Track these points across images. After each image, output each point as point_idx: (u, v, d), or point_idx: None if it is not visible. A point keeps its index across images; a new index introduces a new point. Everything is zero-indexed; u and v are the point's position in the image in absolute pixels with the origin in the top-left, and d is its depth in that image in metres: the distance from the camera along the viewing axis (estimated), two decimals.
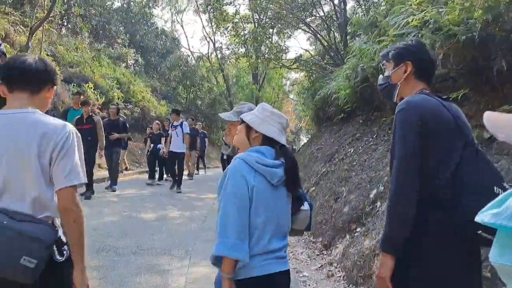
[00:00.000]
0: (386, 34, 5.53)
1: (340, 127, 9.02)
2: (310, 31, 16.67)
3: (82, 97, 9.37)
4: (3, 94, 1.67)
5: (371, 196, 4.37)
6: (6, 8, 12.02)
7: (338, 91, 7.87)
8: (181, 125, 9.52)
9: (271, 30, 18.04)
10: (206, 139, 15.79)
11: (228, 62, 34.87)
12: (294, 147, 32.54)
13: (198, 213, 7.09)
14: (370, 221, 4.07)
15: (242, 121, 1.91)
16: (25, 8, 14.02)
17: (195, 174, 14.10)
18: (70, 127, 1.68)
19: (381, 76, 2.04)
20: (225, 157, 14.68)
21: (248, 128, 1.87)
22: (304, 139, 74.56)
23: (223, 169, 14.63)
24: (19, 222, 1.51)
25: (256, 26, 23.66)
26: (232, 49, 26.61)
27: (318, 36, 16.07)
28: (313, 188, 6.65)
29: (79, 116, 7.67)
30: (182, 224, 6.26)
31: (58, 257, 1.62)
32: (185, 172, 10.90)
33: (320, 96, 10.32)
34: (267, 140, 1.83)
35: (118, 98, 16.27)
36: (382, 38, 5.36)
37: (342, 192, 5.20)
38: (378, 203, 4.20)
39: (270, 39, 18.52)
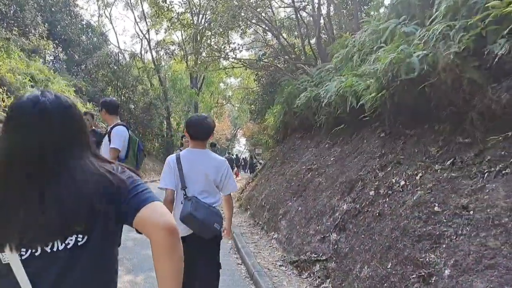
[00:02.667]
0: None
1: (336, 140, 7.01)
2: (267, 28, 14.62)
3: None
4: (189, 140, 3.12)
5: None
6: None
7: (348, 94, 5.85)
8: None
9: (209, 32, 15.73)
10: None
11: (164, 64, 32.05)
12: (256, 158, 29.52)
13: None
14: None
15: None
16: None
17: None
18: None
19: None
20: None
21: None
22: (238, 147, 73.04)
23: None
24: (210, 207, 2.89)
25: (196, 24, 21.26)
26: (169, 50, 24.13)
27: (280, 34, 14.12)
28: (336, 237, 4.48)
29: None
30: None
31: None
32: None
33: (302, 101, 8.26)
34: None
35: None
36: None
37: (427, 260, 3.08)
38: None
39: (210, 40, 16.35)
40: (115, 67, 23.28)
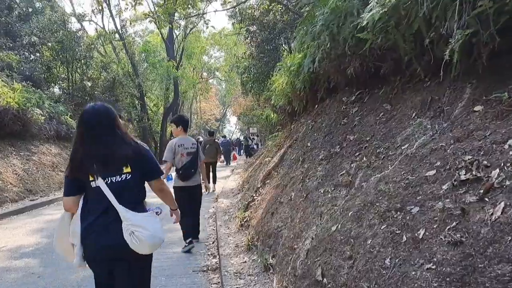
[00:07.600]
0: None
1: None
2: None
3: None
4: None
5: None
6: None
7: None
8: None
9: None
10: None
11: (131, 29, 26.64)
12: (251, 138, 25.12)
13: None
14: None
15: None
16: None
17: None
18: None
19: None
20: None
21: None
22: (229, 127, 67.71)
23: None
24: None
25: None
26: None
27: None
28: None
29: None
30: None
31: None
32: None
33: (379, 13, 3.28)
34: None
35: None
36: None
37: None
38: None
39: None
40: (64, 37, 17.79)
